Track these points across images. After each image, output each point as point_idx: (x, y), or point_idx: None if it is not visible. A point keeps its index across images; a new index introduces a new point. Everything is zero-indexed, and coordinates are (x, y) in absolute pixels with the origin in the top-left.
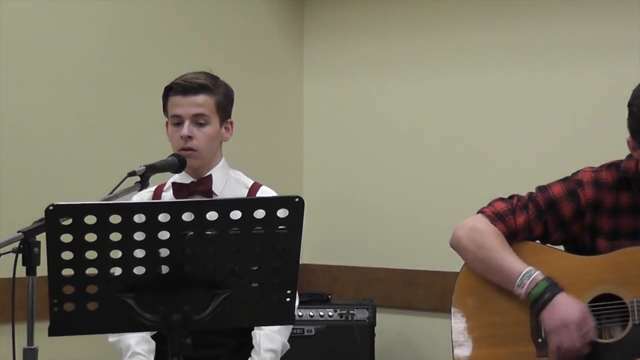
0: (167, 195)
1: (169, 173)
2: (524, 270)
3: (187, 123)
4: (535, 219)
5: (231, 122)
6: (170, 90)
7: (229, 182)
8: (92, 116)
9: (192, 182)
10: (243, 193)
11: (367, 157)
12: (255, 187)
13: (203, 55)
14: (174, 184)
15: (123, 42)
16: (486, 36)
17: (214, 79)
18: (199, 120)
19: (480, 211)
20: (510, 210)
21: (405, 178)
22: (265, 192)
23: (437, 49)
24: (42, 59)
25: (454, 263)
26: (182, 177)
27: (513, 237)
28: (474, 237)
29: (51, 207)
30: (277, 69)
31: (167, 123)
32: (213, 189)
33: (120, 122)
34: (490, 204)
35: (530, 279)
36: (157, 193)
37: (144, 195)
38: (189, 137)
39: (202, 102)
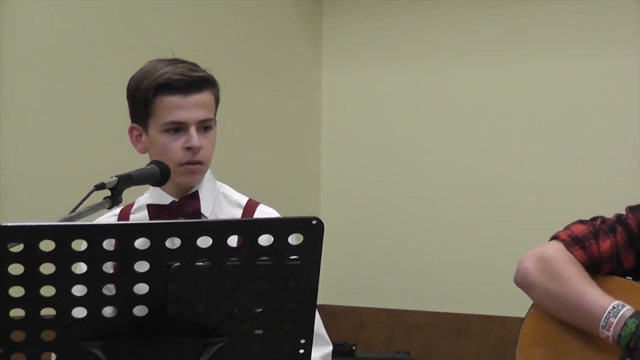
0: (139, 219)
1: (137, 191)
2: (609, 306)
3: (193, 130)
4: (625, 245)
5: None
6: (162, 88)
7: (217, 199)
8: (55, 116)
9: (173, 202)
10: (236, 214)
11: (401, 163)
12: (251, 206)
13: (207, 41)
14: (150, 206)
15: (121, 26)
16: (533, 17)
17: (200, 67)
18: (204, 125)
19: (554, 236)
20: (591, 234)
21: (453, 191)
22: (264, 213)
23: (479, 30)
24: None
25: (515, 305)
26: (155, 197)
27: (595, 268)
28: (544, 267)
29: None
30: (291, 55)
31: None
32: (201, 210)
33: (94, 123)
34: (567, 227)
35: (618, 317)
36: (124, 217)
37: (106, 220)
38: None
39: (207, 102)
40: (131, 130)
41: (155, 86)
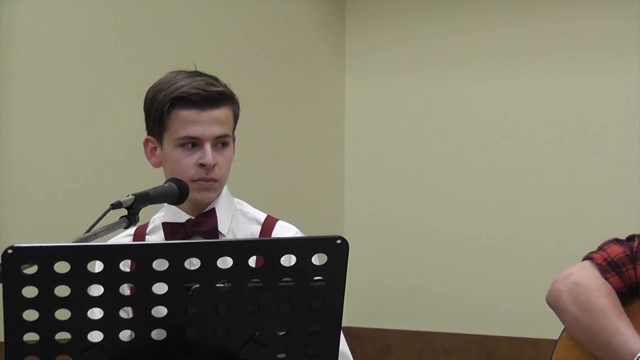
0: (155, 240)
1: (153, 209)
2: (639, 352)
3: (208, 147)
4: None
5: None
6: (178, 102)
7: (235, 216)
8: (67, 129)
9: (189, 220)
10: (255, 231)
11: (428, 179)
12: (270, 223)
13: (229, 52)
14: (165, 224)
15: (134, 34)
16: (569, 24)
17: (219, 81)
18: (220, 142)
19: (589, 257)
20: (628, 257)
21: (483, 208)
22: (283, 228)
23: (508, 38)
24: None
25: (548, 327)
26: (171, 215)
27: (633, 293)
28: (577, 294)
29: (9, 250)
30: (314, 67)
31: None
32: (218, 228)
33: (109, 138)
34: (601, 248)
35: None
36: (139, 237)
37: (121, 241)
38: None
39: (224, 118)
40: (146, 142)
41: (171, 99)
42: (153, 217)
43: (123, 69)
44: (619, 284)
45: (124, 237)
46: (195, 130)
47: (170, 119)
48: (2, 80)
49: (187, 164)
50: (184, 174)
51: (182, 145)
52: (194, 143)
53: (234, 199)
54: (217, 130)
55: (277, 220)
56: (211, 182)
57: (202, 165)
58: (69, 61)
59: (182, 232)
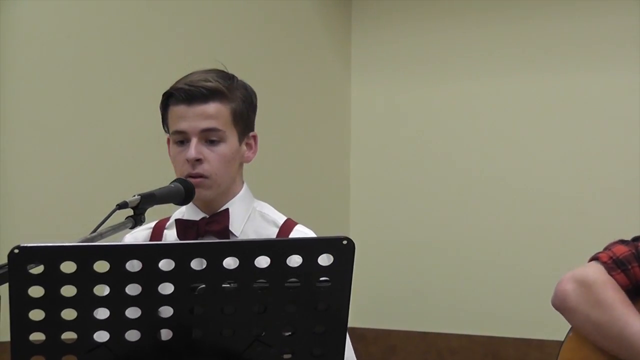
0: (171, 235)
1: (172, 205)
2: None
3: (194, 141)
4: None
5: (254, 137)
6: (170, 98)
7: (252, 218)
8: (73, 129)
9: (202, 219)
10: (271, 233)
11: (433, 180)
12: (288, 226)
13: (235, 53)
14: (178, 221)
15: (138, 36)
16: (578, 25)
17: (229, 79)
18: (210, 137)
19: (594, 257)
20: (634, 256)
21: (487, 210)
22: (301, 233)
23: (515, 41)
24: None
25: (554, 328)
26: (189, 212)
27: (637, 292)
28: (584, 292)
29: (16, 250)
30: (320, 71)
31: (168, 140)
32: (231, 228)
33: (115, 138)
34: (607, 248)
35: None
36: (157, 231)
37: (138, 235)
38: (198, 160)
39: (213, 113)
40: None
41: (165, 95)
42: (175, 213)
43: (128, 68)
44: (624, 281)
45: (144, 230)
46: (182, 125)
47: (167, 116)
48: (4, 79)
49: (179, 160)
50: (178, 169)
51: (176, 142)
52: (184, 139)
53: (257, 201)
54: (204, 125)
55: (296, 224)
56: (199, 178)
57: (187, 160)
58: (72, 60)
59: (194, 231)
